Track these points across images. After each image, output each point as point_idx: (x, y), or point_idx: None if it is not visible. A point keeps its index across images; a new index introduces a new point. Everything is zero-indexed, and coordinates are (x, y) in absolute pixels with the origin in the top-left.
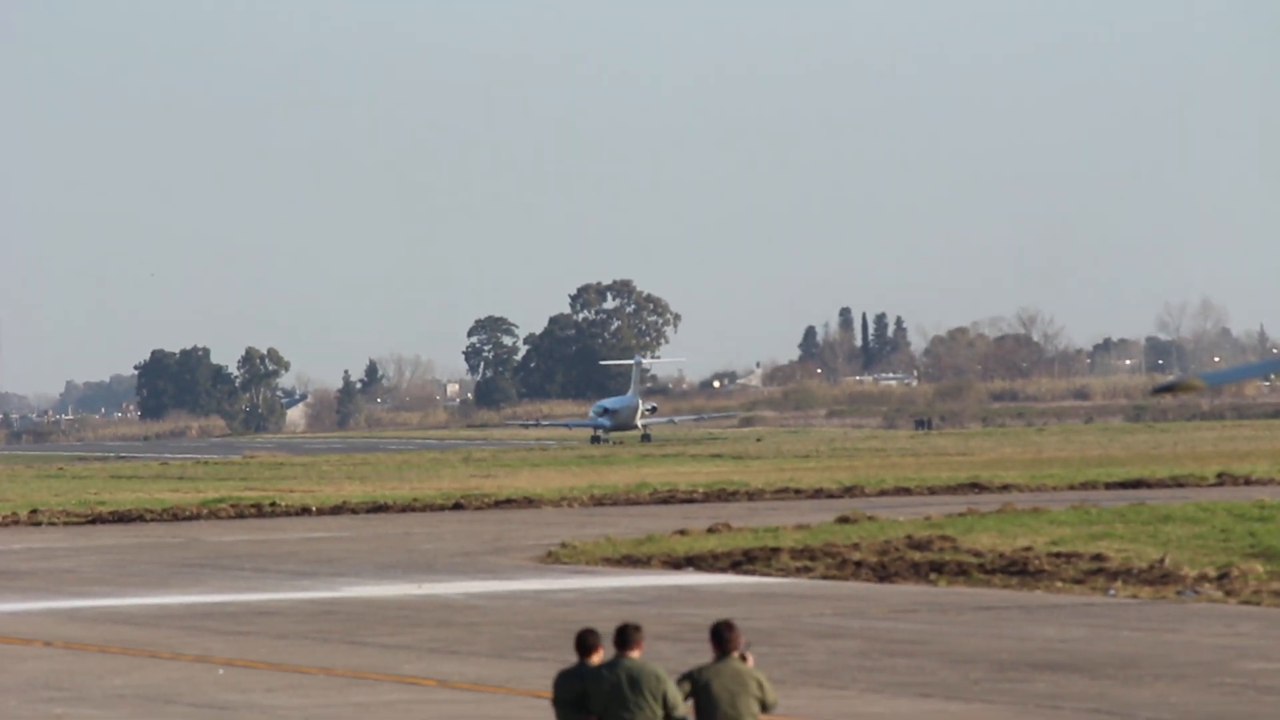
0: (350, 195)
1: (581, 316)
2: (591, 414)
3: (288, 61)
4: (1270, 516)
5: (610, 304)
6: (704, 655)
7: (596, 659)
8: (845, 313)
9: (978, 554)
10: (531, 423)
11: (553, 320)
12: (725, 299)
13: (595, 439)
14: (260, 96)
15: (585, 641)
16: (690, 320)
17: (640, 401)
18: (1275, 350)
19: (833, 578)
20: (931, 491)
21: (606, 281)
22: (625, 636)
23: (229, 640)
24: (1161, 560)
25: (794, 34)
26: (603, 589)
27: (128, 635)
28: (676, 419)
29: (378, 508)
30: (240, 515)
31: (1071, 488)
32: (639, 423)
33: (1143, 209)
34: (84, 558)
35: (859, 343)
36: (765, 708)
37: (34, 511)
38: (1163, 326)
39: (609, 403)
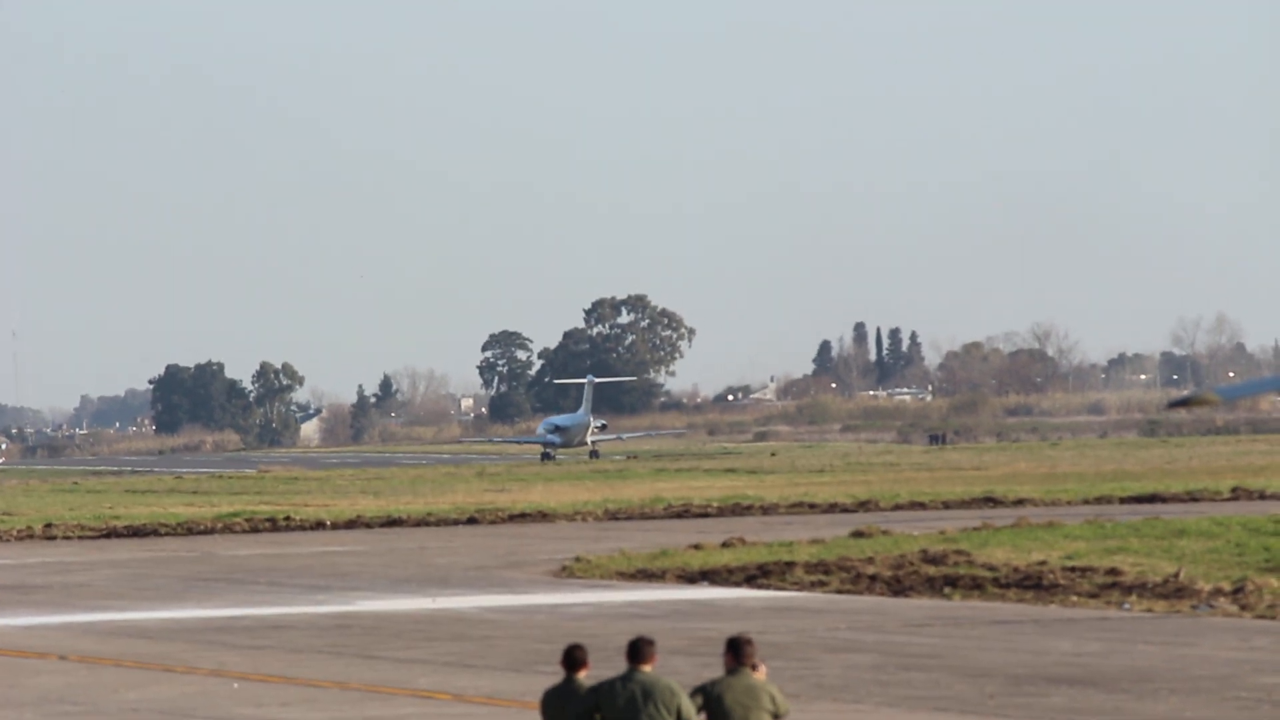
0: (364, 209)
1: (596, 331)
2: (541, 430)
3: (298, 74)
4: None
5: (625, 318)
6: (719, 669)
7: (583, 675)
8: (860, 327)
9: (992, 568)
10: (483, 439)
11: (567, 335)
12: (740, 314)
13: (545, 455)
14: (272, 109)
15: (573, 657)
16: (705, 335)
17: (591, 419)
18: None
19: (847, 592)
20: (946, 506)
21: (621, 296)
22: (638, 650)
23: (244, 654)
24: (1176, 574)
25: (804, 56)
26: (617, 603)
27: (142, 649)
28: (624, 436)
29: (392, 522)
30: (255, 529)
31: (1086, 502)
32: (589, 439)
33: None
34: (98, 572)
35: (873, 357)
36: (778, 717)
37: (48, 525)
38: (1177, 341)
39: (560, 420)
